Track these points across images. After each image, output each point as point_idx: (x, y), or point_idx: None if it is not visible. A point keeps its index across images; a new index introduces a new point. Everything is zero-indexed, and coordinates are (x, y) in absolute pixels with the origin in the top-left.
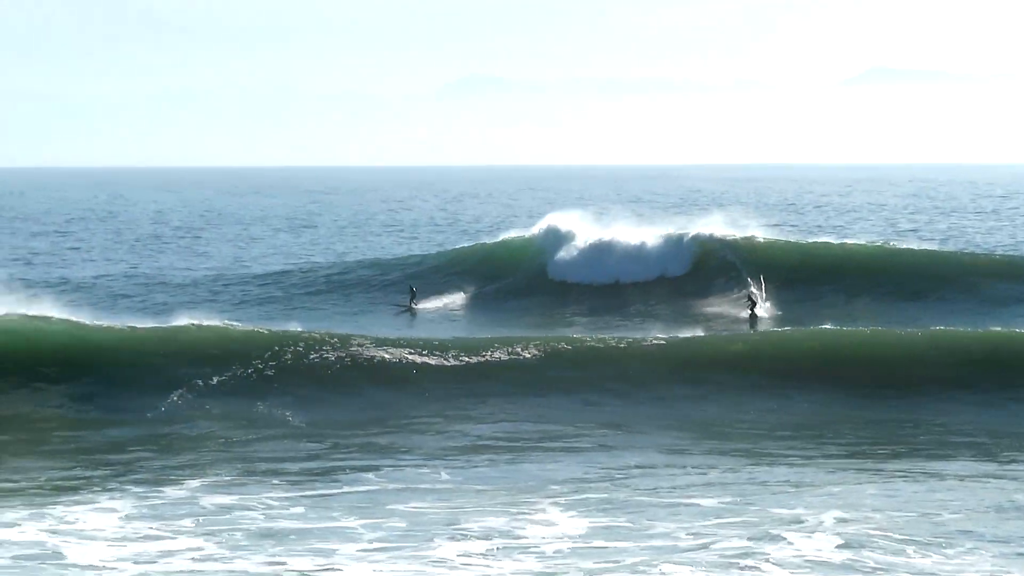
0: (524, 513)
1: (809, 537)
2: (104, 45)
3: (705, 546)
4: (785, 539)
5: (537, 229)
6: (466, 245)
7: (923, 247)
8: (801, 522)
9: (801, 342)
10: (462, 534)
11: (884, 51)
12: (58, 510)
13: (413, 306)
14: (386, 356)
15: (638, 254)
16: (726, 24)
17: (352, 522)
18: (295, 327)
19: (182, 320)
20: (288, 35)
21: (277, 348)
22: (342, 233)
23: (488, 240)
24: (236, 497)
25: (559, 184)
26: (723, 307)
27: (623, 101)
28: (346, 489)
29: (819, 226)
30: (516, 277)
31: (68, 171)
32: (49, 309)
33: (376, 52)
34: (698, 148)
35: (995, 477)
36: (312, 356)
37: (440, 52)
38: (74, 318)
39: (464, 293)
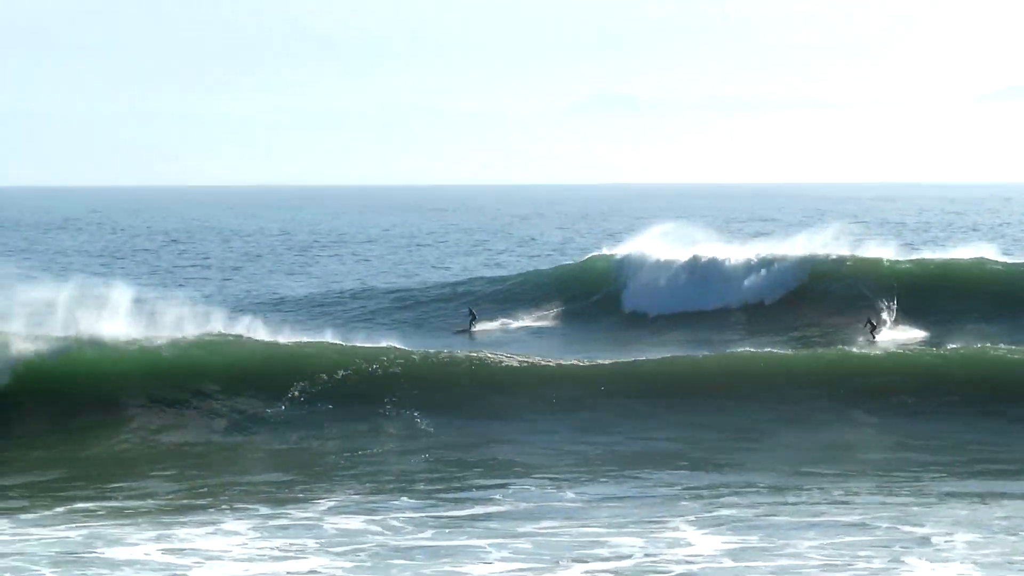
0: (655, 532)
1: (944, 563)
2: (242, 64)
3: (842, 566)
4: (918, 562)
5: (618, 252)
6: (546, 268)
7: None
8: (931, 544)
9: (930, 360)
10: (594, 555)
11: (1021, 68)
12: (183, 531)
13: (472, 329)
14: (501, 375)
15: (730, 277)
16: (858, 41)
17: (481, 542)
18: (403, 345)
19: (305, 337)
20: (424, 54)
21: (396, 365)
22: (455, 251)
23: (570, 261)
24: (363, 517)
25: (686, 203)
26: (831, 332)
27: (754, 119)
28: (476, 510)
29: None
30: (587, 302)
31: (204, 190)
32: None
33: (508, 71)
34: (831, 166)
35: None
36: (429, 374)
37: (570, 70)
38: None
39: (524, 317)
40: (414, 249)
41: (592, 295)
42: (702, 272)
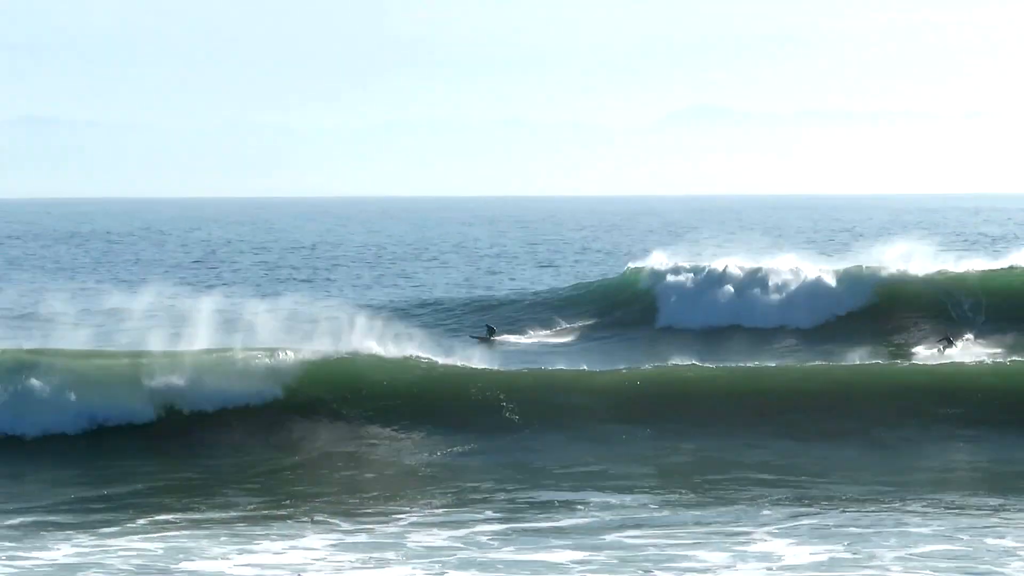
0: (741, 544)
1: None
2: (333, 76)
3: None
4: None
5: (647, 264)
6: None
7: None
8: (1016, 554)
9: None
10: (679, 568)
11: None
12: (264, 544)
13: (491, 339)
14: (577, 388)
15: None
16: (953, 53)
17: (565, 556)
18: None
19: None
20: (515, 66)
21: (477, 383)
22: (514, 261)
23: (611, 275)
24: (448, 531)
25: (772, 215)
26: (902, 346)
27: (849, 131)
28: (561, 522)
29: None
30: (613, 316)
31: (296, 201)
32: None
33: (600, 82)
34: (925, 176)
35: None
36: (503, 389)
37: (664, 81)
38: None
39: (547, 328)
40: (475, 260)
41: (627, 308)
42: (749, 285)
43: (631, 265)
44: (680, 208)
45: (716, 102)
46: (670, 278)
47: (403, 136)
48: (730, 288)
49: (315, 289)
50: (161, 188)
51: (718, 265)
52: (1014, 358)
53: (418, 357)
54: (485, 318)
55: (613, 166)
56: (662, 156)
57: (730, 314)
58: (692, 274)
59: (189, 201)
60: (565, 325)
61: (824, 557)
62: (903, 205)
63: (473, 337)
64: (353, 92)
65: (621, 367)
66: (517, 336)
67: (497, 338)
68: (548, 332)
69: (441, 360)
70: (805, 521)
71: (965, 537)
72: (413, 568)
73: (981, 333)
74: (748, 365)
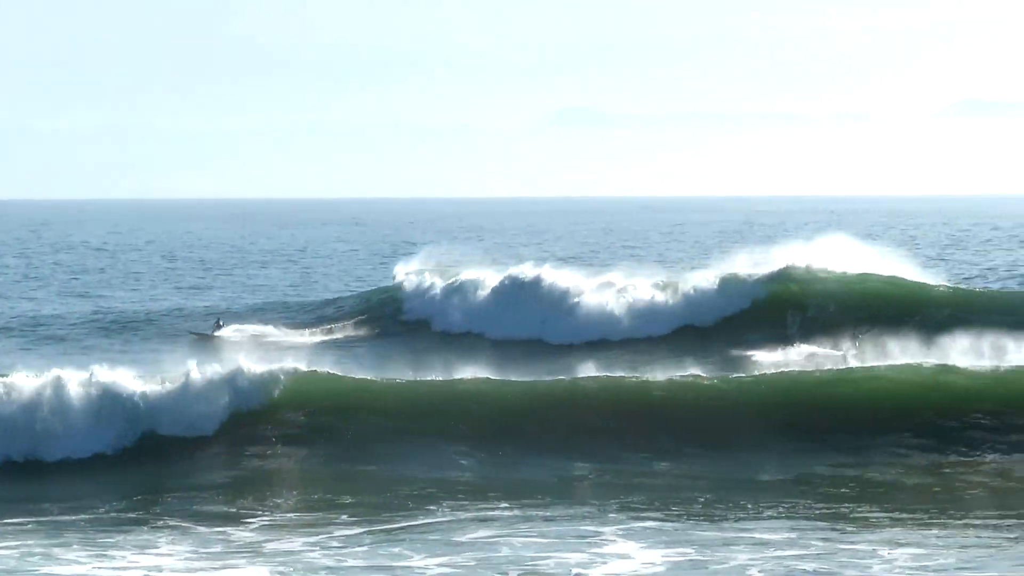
0: (595, 546)
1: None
2: (213, 81)
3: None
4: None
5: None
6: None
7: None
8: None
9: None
10: (535, 570)
11: (976, 83)
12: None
13: (215, 335)
14: (424, 395)
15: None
16: (820, 57)
17: (420, 560)
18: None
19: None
20: (396, 71)
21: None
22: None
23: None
24: (302, 537)
25: (641, 216)
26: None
27: (725, 134)
28: (415, 527)
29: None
30: (364, 319)
31: (185, 203)
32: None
33: (475, 85)
34: (800, 179)
35: None
36: (347, 395)
37: (537, 84)
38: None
39: (276, 327)
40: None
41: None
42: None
43: (398, 269)
44: (538, 210)
45: (589, 104)
46: (411, 285)
47: (279, 140)
48: (478, 294)
49: None
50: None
51: (473, 274)
52: (852, 365)
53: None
54: (215, 315)
55: (489, 168)
56: (538, 159)
57: (482, 322)
58: (443, 282)
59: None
60: (323, 327)
61: (677, 559)
62: (766, 207)
63: (193, 333)
64: (225, 95)
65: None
66: (256, 331)
67: (222, 334)
68: (289, 331)
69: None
70: (652, 525)
71: (817, 542)
72: (270, 573)
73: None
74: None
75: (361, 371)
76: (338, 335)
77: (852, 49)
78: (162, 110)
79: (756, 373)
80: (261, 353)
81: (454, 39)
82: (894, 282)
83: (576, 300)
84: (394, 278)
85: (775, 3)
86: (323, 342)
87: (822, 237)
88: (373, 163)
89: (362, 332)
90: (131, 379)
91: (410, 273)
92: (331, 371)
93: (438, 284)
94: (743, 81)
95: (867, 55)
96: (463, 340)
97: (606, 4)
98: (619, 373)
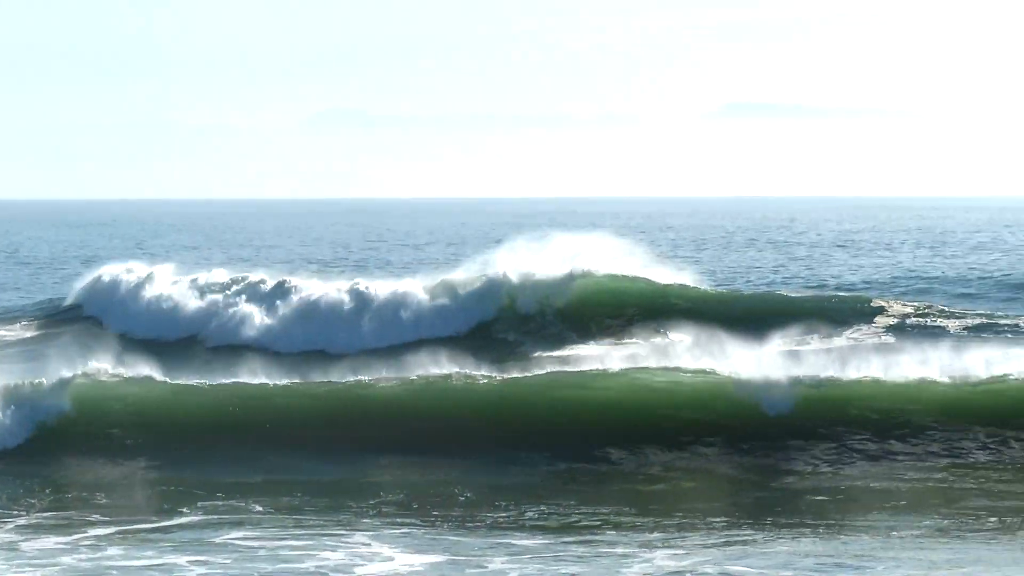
0: (353, 547)
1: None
2: None
3: None
4: None
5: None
6: None
7: None
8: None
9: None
10: (299, 569)
11: (742, 86)
12: None
13: None
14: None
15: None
16: (588, 60)
17: (177, 558)
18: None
19: None
20: (159, 70)
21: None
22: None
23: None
24: (56, 536)
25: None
26: None
27: (489, 136)
28: (171, 526)
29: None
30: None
31: None
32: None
33: (242, 85)
34: (568, 182)
35: None
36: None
37: (303, 85)
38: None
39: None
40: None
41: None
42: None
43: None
44: (297, 211)
45: (353, 106)
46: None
47: (33, 138)
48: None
49: None
50: None
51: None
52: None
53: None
54: None
55: (250, 169)
56: (303, 159)
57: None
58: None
59: None
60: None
61: (434, 560)
62: (531, 208)
63: None
64: None
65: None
66: None
67: None
68: None
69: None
70: (410, 529)
71: (579, 550)
72: (23, 573)
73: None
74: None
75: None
76: (25, 334)
77: (621, 52)
78: None
79: (518, 375)
80: None
81: (217, 37)
82: (640, 282)
83: (319, 304)
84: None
85: (544, 5)
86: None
87: (584, 237)
88: (129, 163)
89: (35, 333)
90: None
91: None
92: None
93: (126, 284)
94: (513, 83)
95: (636, 58)
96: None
97: (372, 5)
98: (365, 377)
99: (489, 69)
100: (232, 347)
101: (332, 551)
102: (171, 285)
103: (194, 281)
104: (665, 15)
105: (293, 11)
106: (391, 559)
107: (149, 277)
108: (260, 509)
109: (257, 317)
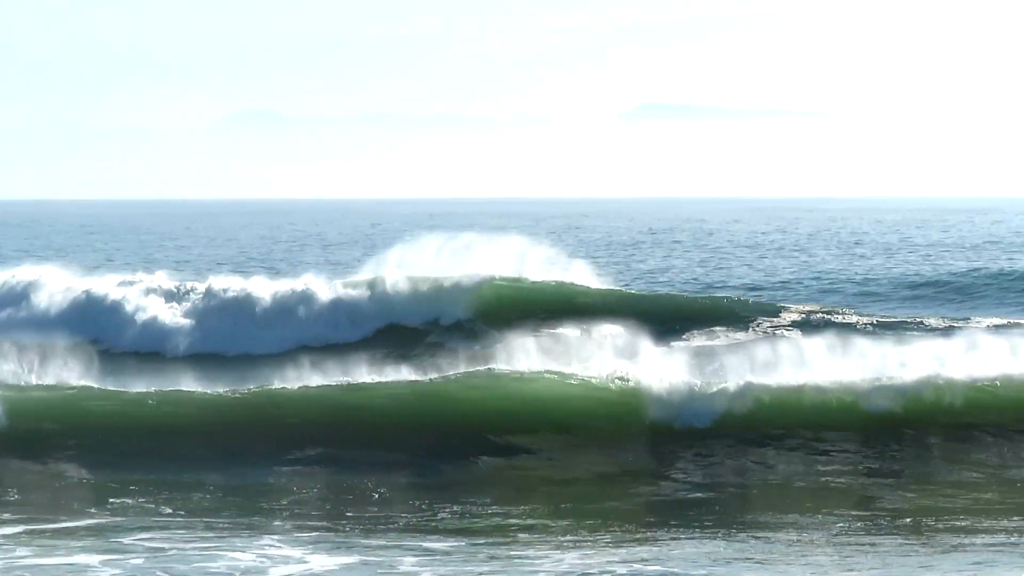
0: (262, 548)
1: None
2: None
3: None
4: None
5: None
6: None
7: None
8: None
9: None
10: (210, 569)
11: (656, 87)
12: None
13: None
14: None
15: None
16: (503, 60)
17: (87, 558)
18: None
19: None
20: (69, 72)
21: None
22: None
23: None
24: None
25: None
26: None
27: (405, 136)
28: (80, 526)
29: None
30: None
31: None
32: None
33: (155, 84)
34: (480, 182)
35: None
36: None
37: (216, 86)
38: None
39: None
40: None
41: None
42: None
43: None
44: (211, 212)
45: (267, 107)
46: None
47: None
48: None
49: None
50: None
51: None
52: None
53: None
54: None
55: (166, 169)
56: (217, 160)
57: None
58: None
59: None
60: None
61: (346, 561)
62: (443, 209)
63: None
64: None
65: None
66: None
67: None
68: None
69: None
70: (320, 532)
71: (490, 551)
72: None
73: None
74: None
75: None
76: None
77: (535, 52)
78: None
79: (433, 376)
80: None
81: (127, 38)
82: (549, 285)
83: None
84: None
85: (456, 5)
86: None
87: (499, 240)
88: (40, 164)
89: None
90: None
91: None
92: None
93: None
94: (426, 83)
95: (550, 58)
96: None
97: (284, 5)
98: (278, 382)
99: (403, 69)
100: (133, 353)
101: (242, 552)
102: (63, 290)
103: (89, 284)
104: (579, 15)
105: (205, 12)
106: (304, 561)
107: (35, 284)
108: (170, 511)
109: (152, 319)
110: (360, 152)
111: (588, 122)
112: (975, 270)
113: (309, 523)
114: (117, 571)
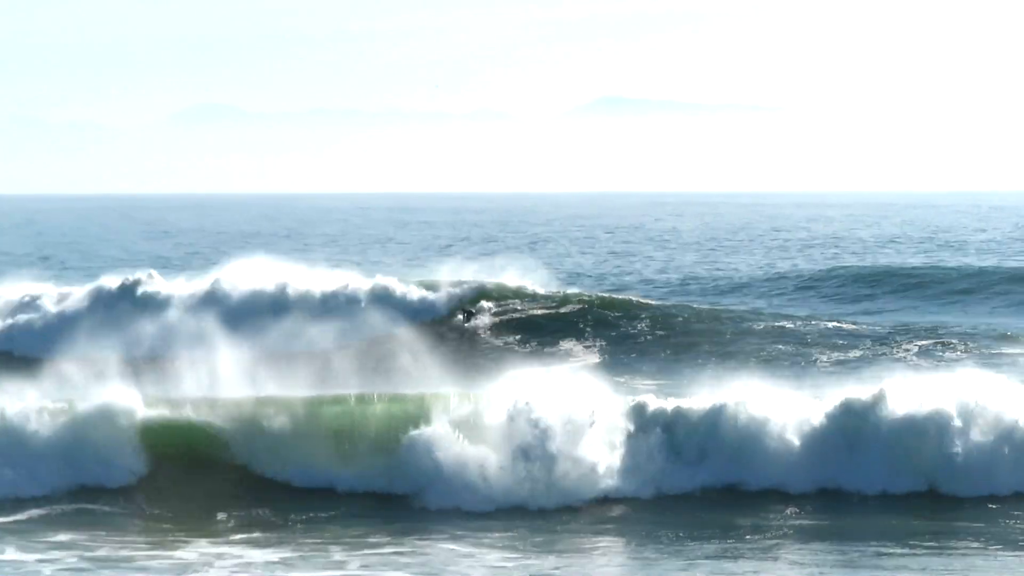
0: (203, 548)
1: None
2: None
3: None
4: None
5: None
6: None
7: None
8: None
9: None
10: (157, 568)
11: (614, 80)
12: None
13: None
14: None
15: None
16: (461, 55)
17: (15, 555)
18: None
19: None
20: (25, 67)
21: None
22: None
23: None
24: None
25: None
26: None
27: (363, 131)
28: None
29: None
30: None
31: None
32: None
33: (106, 80)
34: (435, 176)
35: None
36: None
37: (172, 80)
38: None
39: None
40: None
41: None
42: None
43: None
44: (169, 206)
45: (224, 101)
46: None
47: None
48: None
49: None
50: None
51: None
52: None
53: None
54: None
55: (122, 164)
56: (172, 154)
57: None
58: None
59: None
60: None
61: (283, 556)
62: (412, 203)
63: None
64: None
65: None
66: None
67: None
68: None
69: None
70: (257, 533)
71: (417, 542)
72: None
73: None
74: None
75: None
76: None
77: (492, 46)
78: None
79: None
80: None
81: (84, 33)
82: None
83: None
84: None
85: (420, 0)
86: None
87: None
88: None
89: None
90: None
91: None
92: None
93: None
94: (385, 78)
95: (507, 53)
96: None
97: (239, 1)
98: None
99: (362, 64)
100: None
101: (183, 550)
102: None
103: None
104: (537, 10)
105: (162, 5)
106: (240, 556)
107: None
108: (73, 509)
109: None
110: (320, 147)
111: (545, 116)
112: (840, 267)
113: (253, 524)
114: (57, 569)
